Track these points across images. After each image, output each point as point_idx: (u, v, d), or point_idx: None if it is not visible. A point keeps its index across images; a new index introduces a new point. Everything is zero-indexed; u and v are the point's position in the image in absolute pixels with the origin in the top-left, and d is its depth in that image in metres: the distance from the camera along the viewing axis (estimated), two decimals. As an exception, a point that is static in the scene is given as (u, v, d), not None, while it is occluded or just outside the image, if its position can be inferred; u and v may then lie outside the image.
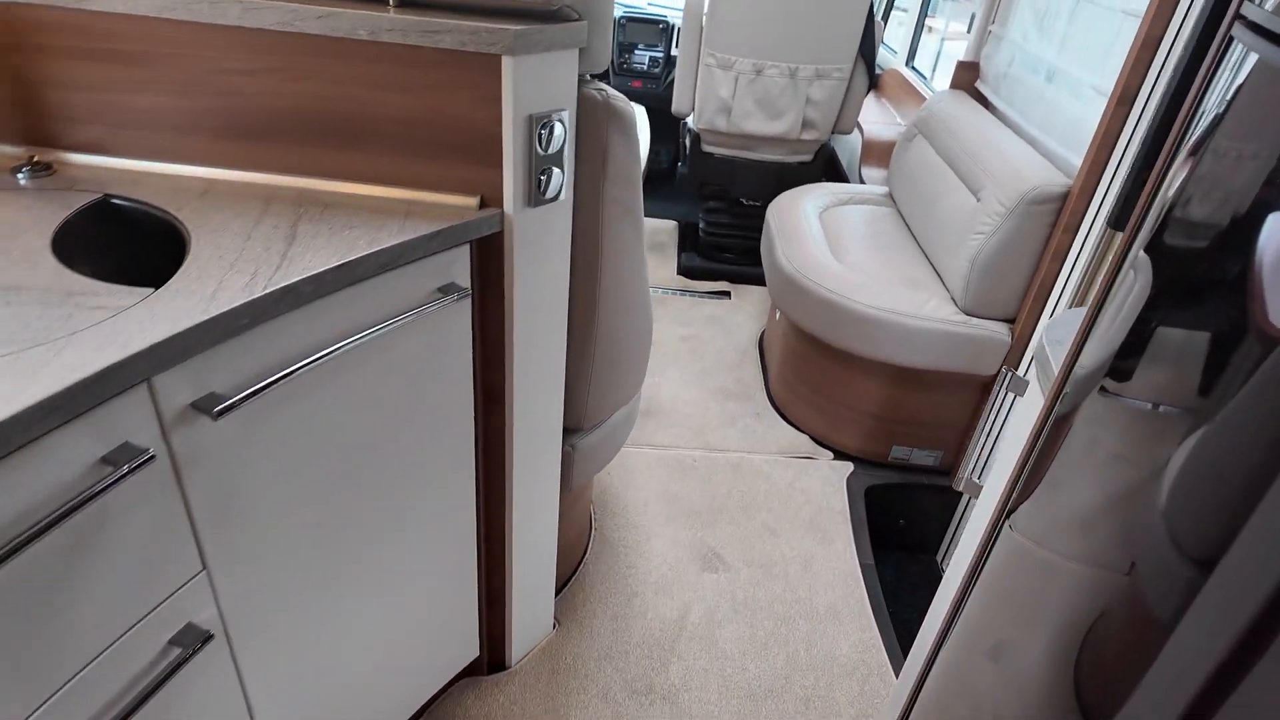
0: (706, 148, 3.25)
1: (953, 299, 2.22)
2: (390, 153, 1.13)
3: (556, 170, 1.18)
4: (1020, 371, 2.11)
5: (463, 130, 1.11)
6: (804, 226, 2.61)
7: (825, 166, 3.31)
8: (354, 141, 1.13)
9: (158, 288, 0.87)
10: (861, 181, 3.33)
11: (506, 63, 1.06)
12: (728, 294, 3.41)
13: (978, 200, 2.17)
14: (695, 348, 3.00)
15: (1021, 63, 2.47)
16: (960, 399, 2.30)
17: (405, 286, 1.08)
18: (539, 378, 1.37)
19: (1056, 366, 0.95)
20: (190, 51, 1.07)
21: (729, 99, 3.04)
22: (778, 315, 2.72)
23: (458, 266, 1.15)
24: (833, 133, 3.16)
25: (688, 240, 3.77)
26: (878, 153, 3.39)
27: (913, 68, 3.89)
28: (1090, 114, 2.02)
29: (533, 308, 1.28)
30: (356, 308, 1.01)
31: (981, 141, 2.30)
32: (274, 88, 1.09)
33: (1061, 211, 1.97)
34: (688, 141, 3.35)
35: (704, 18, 2.95)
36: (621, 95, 1.24)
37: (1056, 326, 1.13)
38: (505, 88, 1.07)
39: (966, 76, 2.79)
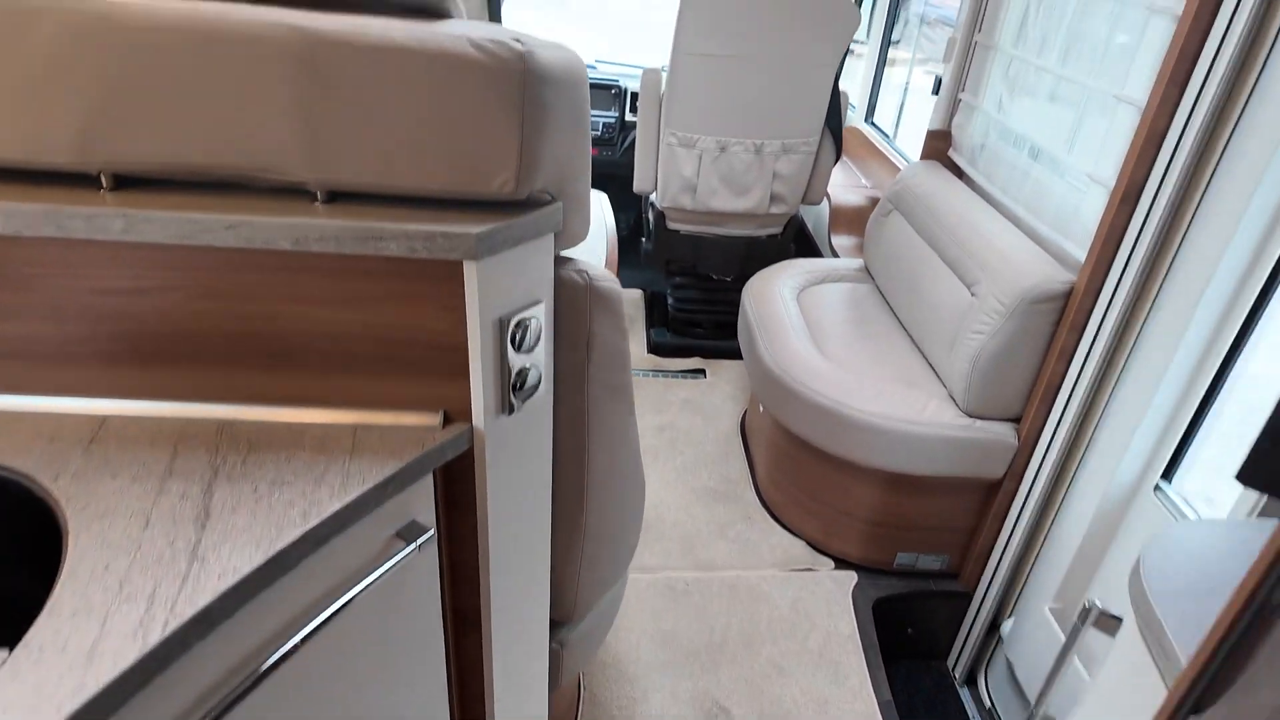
0: (672, 225, 3.09)
1: (953, 399, 2.08)
2: (330, 371, 0.93)
3: (534, 368, 0.99)
4: (1030, 475, 1.97)
5: (418, 343, 0.91)
6: (782, 314, 2.46)
7: (795, 237, 3.18)
8: (284, 361, 0.92)
9: (11, 637, 0.65)
10: (833, 250, 3.21)
11: (469, 268, 0.86)
12: (702, 372, 3.24)
13: (972, 294, 2.04)
14: (673, 439, 2.81)
15: (1000, 136, 2.37)
16: (966, 501, 2.15)
17: (354, 546, 0.87)
18: (519, 586, 1.16)
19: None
20: (60, 271, 0.86)
21: (693, 177, 2.89)
22: (760, 408, 2.56)
23: (419, 502, 0.94)
24: (801, 203, 3.03)
25: (656, 313, 3.60)
26: (846, 219, 3.28)
27: (872, 124, 3.81)
28: (1086, 202, 1.91)
29: (510, 519, 1.08)
30: (290, 597, 0.80)
31: (967, 226, 2.18)
32: (176, 307, 0.88)
33: (1065, 310, 1.85)
34: (651, 217, 3.20)
35: (662, 96, 2.80)
36: (606, 273, 1.05)
37: (1160, 557, 0.96)
38: (469, 293, 0.88)
39: (938, 146, 2.69)
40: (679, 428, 2.87)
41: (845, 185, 3.41)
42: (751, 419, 2.80)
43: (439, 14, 0.88)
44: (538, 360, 0.99)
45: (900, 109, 3.63)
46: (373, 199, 0.88)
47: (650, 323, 3.54)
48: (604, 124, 3.99)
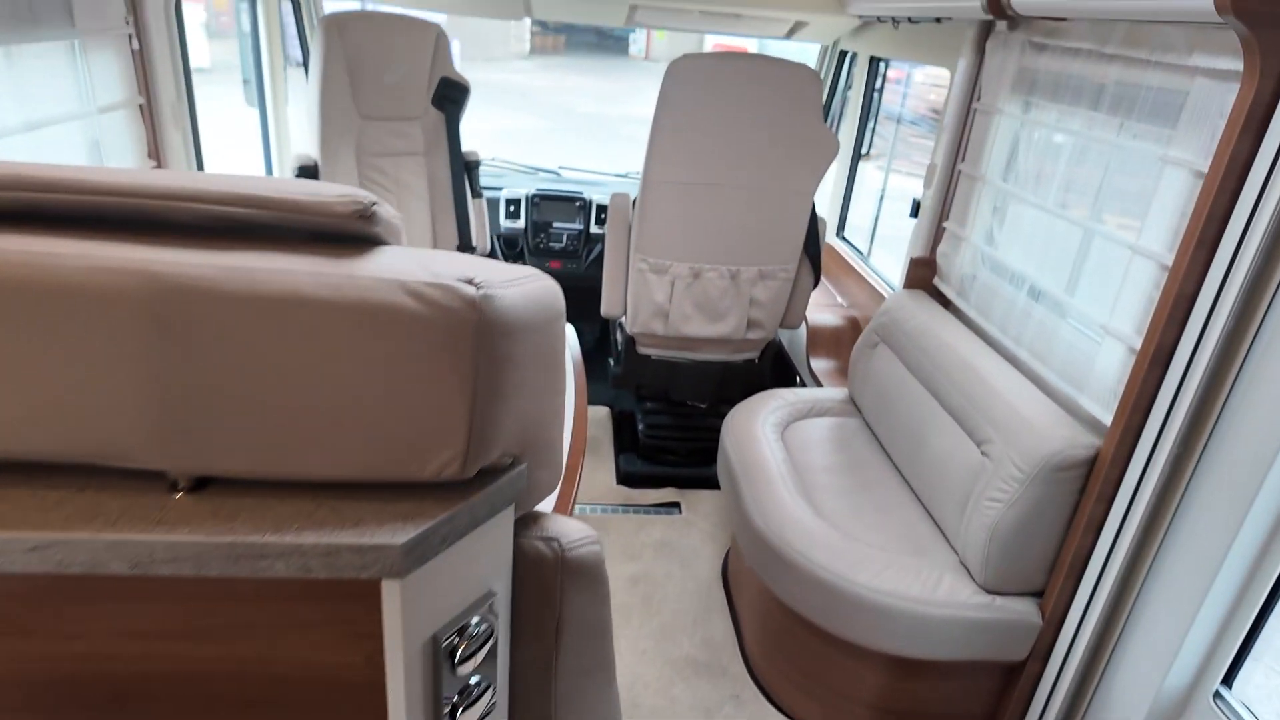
0: (643, 350, 2.89)
1: (966, 569, 1.85)
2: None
3: (482, 681, 0.72)
4: (1058, 658, 1.73)
5: (314, 683, 0.65)
6: (767, 457, 2.23)
7: (773, 361, 3.00)
8: (121, 711, 0.64)
9: None
10: (812, 374, 3.03)
11: (389, 587, 0.61)
12: (677, 506, 2.98)
13: (984, 454, 1.84)
14: (648, 594, 2.52)
15: (993, 270, 2.24)
16: (985, 685, 1.90)
17: None
18: None
19: None
20: None
21: (665, 303, 2.70)
22: (747, 564, 2.29)
23: None
24: (780, 327, 2.86)
25: (625, 437, 3.35)
26: (824, 342, 3.12)
27: (844, 239, 3.72)
28: (1103, 357, 1.75)
29: None
30: None
31: (969, 372, 2.00)
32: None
33: (1090, 477, 1.65)
34: (619, 338, 2.99)
35: (631, 221, 2.64)
36: (583, 530, 0.80)
37: None
38: (388, 616, 0.62)
39: (922, 274, 2.56)
40: (654, 578, 2.58)
41: (821, 304, 3.27)
42: (734, 567, 2.53)
43: (366, 241, 0.65)
44: (490, 670, 0.73)
45: (875, 222, 3.54)
46: (257, 485, 0.62)
47: (619, 446, 3.29)
48: (568, 235, 3.83)
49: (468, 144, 3.29)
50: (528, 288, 0.65)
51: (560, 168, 4.67)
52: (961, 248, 2.38)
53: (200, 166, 2.66)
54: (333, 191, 0.62)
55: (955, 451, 1.95)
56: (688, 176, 2.49)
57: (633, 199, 2.69)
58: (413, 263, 0.61)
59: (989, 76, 2.25)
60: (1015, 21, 2.03)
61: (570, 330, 2.30)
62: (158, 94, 2.29)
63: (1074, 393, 1.82)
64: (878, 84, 3.51)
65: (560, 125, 15.63)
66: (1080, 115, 1.87)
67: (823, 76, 3.89)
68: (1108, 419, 1.67)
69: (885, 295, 2.99)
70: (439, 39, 3.05)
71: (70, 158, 2.00)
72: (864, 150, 3.70)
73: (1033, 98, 2.07)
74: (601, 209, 3.85)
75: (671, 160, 2.46)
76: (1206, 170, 1.42)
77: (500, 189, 3.86)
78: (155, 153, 2.31)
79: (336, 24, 2.84)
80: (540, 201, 3.82)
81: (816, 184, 2.54)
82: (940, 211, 2.54)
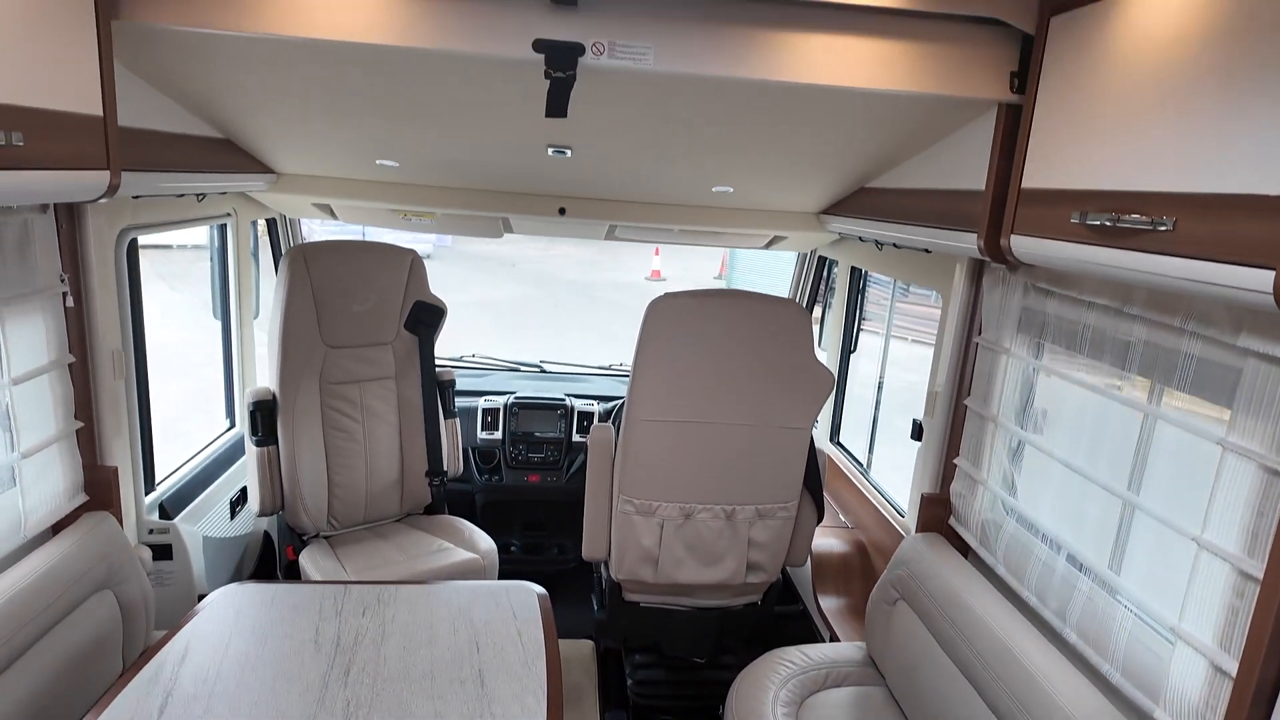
0: (630, 597, 2.56)
1: None
2: None
3: None
4: None
5: None
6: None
7: (778, 602, 2.68)
8: None
9: None
10: (823, 617, 2.70)
11: None
12: (674, 782, 2.54)
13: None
14: None
15: (1019, 522, 1.99)
16: None
17: None
18: None
19: None
20: None
21: (654, 547, 2.42)
22: None
23: None
24: (784, 565, 2.57)
25: (611, 685, 2.94)
26: (831, 574, 2.82)
27: (840, 445, 3.51)
28: (1180, 663, 1.45)
29: None
30: None
31: (1007, 656, 1.71)
32: None
33: None
34: (604, 580, 2.67)
35: (615, 457, 2.41)
36: None
37: None
38: None
39: (936, 513, 2.31)
40: None
41: (822, 527, 2.99)
42: None
43: None
44: None
45: (873, 428, 3.35)
46: None
47: (604, 702, 2.87)
48: (547, 446, 3.60)
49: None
50: None
51: (542, 361, 4.54)
52: (978, 490, 2.15)
53: (145, 418, 2.44)
54: None
55: None
56: (674, 415, 2.29)
57: (615, 431, 2.48)
58: None
59: (989, 310, 2.12)
60: (1015, 265, 1.92)
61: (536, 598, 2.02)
62: (96, 348, 2.10)
63: (1147, 702, 1.52)
64: (861, 289, 3.44)
65: (546, 292, 16.01)
66: (1104, 370, 1.70)
67: (801, 280, 3.85)
68: (1199, 748, 1.37)
69: (890, 520, 2.73)
70: (414, 263, 2.95)
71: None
72: (853, 347, 3.59)
73: (1044, 341, 1.92)
74: (584, 416, 3.65)
75: (656, 399, 2.28)
76: (1284, 471, 1.21)
77: (479, 396, 3.68)
78: (85, 412, 2.09)
79: (303, 255, 2.74)
80: (519, 411, 3.62)
81: (813, 419, 2.35)
82: (946, 443, 2.33)
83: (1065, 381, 1.84)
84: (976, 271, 2.21)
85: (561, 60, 1.61)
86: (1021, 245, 1.70)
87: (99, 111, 1.54)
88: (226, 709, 1.56)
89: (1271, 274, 1.09)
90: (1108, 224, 1.39)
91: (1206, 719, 1.36)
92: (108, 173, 1.59)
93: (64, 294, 1.97)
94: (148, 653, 1.73)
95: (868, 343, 3.60)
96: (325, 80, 1.90)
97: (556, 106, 1.70)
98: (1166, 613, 1.51)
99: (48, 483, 1.96)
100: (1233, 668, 1.31)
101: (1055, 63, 1.62)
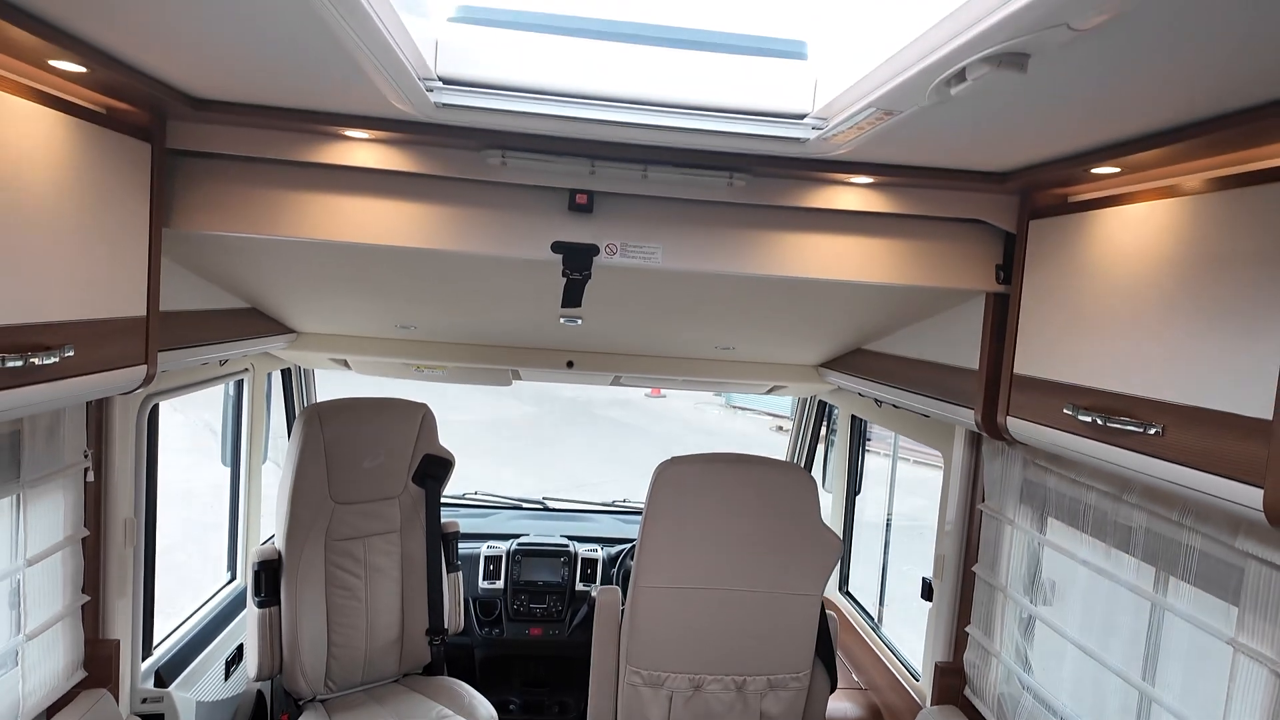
0: (637, 770, 2.45)
1: None
2: None
3: None
4: None
5: None
6: None
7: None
8: None
9: None
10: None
11: None
12: None
13: None
14: None
15: (1037, 699, 1.95)
16: None
17: None
18: None
19: None
20: None
21: (662, 720, 2.35)
22: None
23: None
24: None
25: None
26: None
27: (848, 595, 3.46)
28: None
29: None
30: None
31: None
32: None
33: None
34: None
35: (622, 623, 2.38)
36: None
37: None
38: None
39: (951, 683, 2.26)
40: None
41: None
42: None
43: None
44: None
45: (882, 580, 3.31)
46: None
47: None
48: (550, 597, 3.54)
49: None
50: None
51: (545, 498, 4.52)
52: (992, 662, 2.12)
53: (149, 583, 2.43)
54: None
55: None
56: (682, 581, 2.29)
57: (622, 594, 2.45)
58: None
59: (991, 480, 2.16)
60: (1013, 443, 1.98)
61: None
62: (110, 518, 2.12)
63: None
64: (862, 435, 3.50)
65: (545, 410, 16.09)
66: (1110, 553, 1.72)
67: (802, 424, 3.92)
68: None
69: (905, 684, 2.66)
70: (425, 418, 3.02)
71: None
72: (857, 488, 3.60)
73: (1048, 514, 1.95)
74: (588, 563, 3.61)
75: (663, 566, 2.28)
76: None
77: (481, 541, 3.65)
78: (92, 584, 2.08)
79: (317, 414, 2.80)
80: (522, 558, 3.58)
81: (823, 586, 2.34)
82: (956, 610, 2.31)
83: (1070, 560, 1.86)
84: (976, 438, 2.27)
85: (578, 261, 1.73)
86: (1018, 427, 1.76)
87: (143, 312, 1.64)
88: None
89: (1261, 492, 1.14)
90: (1099, 421, 1.45)
91: None
92: (144, 367, 1.67)
93: (85, 469, 2.01)
94: None
95: (872, 465, 3.62)
96: (353, 265, 2.03)
97: (572, 300, 1.81)
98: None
99: (49, 663, 1.92)
100: None
101: (1037, 261, 1.74)
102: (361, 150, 1.68)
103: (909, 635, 3.02)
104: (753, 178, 1.71)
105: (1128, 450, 1.40)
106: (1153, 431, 1.34)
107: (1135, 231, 1.44)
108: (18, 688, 1.83)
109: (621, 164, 1.68)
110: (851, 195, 1.77)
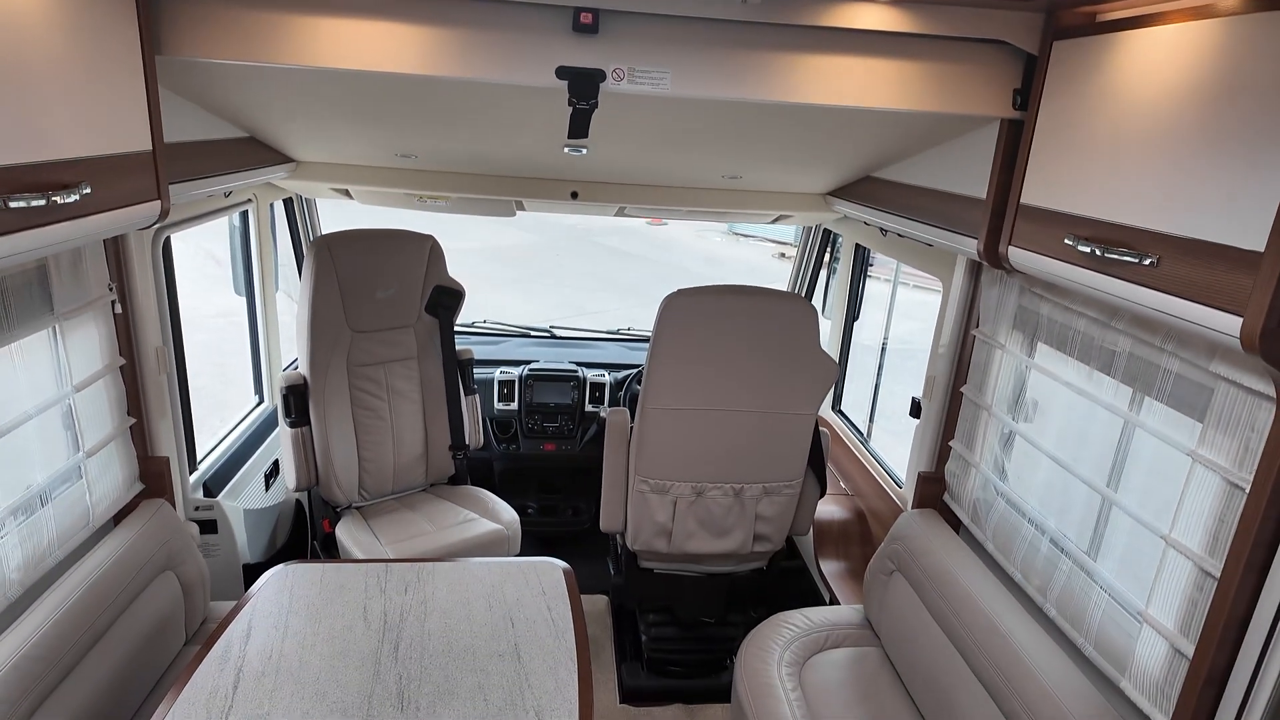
0: (645, 564, 2.76)
1: None
2: None
3: None
4: None
5: None
6: (785, 715, 2.08)
7: (781, 566, 2.88)
8: None
9: None
10: (824, 581, 2.90)
11: None
12: (686, 727, 2.78)
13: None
14: None
15: (1008, 503, 2.16)
16: None
17: None
18: None
19: None
20: None
21: (667, 522, 2.60)
22: None
23: None
24: (788, 534, 2.75)
25: (627, 641, 3.17)
26: (832, 540, 3.01)
27: (841, 414, 3.67)
28: (1146, 644, 1.64)
29: None
30: None
31: (994, 634, 1.89)
32: None
33: None
34: (619, 549, 2.86)
35: (630, 440, 2.57)
36: None
37: None
38: None
39: (932, 490, 2.48)
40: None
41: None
42: None
43: None
44: None
45: (874, 399, 3.50)
46: None
47: (620, 654, 3.10)
48: (561, 416, 3.76)
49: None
50: None
51: (552, 326, 4.66)
52: (971, 472, 2.31)
53: (186, 406, 2.58)
54: None
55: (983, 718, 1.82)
56: (687, 403, 2.44)
57: (630, 414, 2.62)
58: None
59: (986, 307, 2.24)
60: (1012, 271, 2.03)
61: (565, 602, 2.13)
62: (141, 347, 2.23)
63: (1114, 674, 1.70)
64: (864, 264, 3.54)
65: (546, 239, 15.97)
66: (1092, 376, 1.83)
67: (806, 250, 3.94)
68: (1156, 716, 1.56)
69: (889, 490, 2.91)
70: (432, 249, 3.05)
71: (44, 441, 1.91)
72: (856, 313, 3.71)
73: (1038, 340, 2.05)
74: (596, 387, 3.80)
75: (669, 389, 2.41)
76: (1245, 486, 1.36)
77: (494, 367, 3.82)
78: (136, 408, 2.23)
79: (327, 245, 2.83)
80: (534, 382, 3.76)
81: (818, 406, 2.50)
82: (942, 426, 2.48)
83: (1055, 382, 1.97)
84: (976, 267, 2.31)
85: (583, 88, 1.68)
86: (1018, 257, 1.80)
87: (149, 145, 1.63)
88: (293, 684, 1.75)
89: (1239, 320, 1.21)
90: (1097, 252, 1.49)
91: (1166, 693, 1.54)
92: (159, 201, 1.68)
93: (112, 302, 2.08)
94: (214, 631, 1.92)
95: (873, 289, 3.71)
96: (351, 94, 1.97)
97: (579, 130, 1.78)
98: (1135, 597, 1.68)
99: (109, 477, 2.11)
100: (1190, 650, 1.48)
101: (1057, 85, 1.70)
102: None
103: (895, 447, 3.24)
104: None
105: (1121, 280, 1.46)
106: (1147, 262, 1.39)
107: (1161, 54, 1.40)
108: (85, 498, 2.03)
109: None
110: (871, 12, 1.68)
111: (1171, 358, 1.57)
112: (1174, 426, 1.61)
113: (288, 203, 3.54)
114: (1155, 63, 1.42)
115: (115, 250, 2.11)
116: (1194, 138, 1.32)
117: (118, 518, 2.18)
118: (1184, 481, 1.54)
